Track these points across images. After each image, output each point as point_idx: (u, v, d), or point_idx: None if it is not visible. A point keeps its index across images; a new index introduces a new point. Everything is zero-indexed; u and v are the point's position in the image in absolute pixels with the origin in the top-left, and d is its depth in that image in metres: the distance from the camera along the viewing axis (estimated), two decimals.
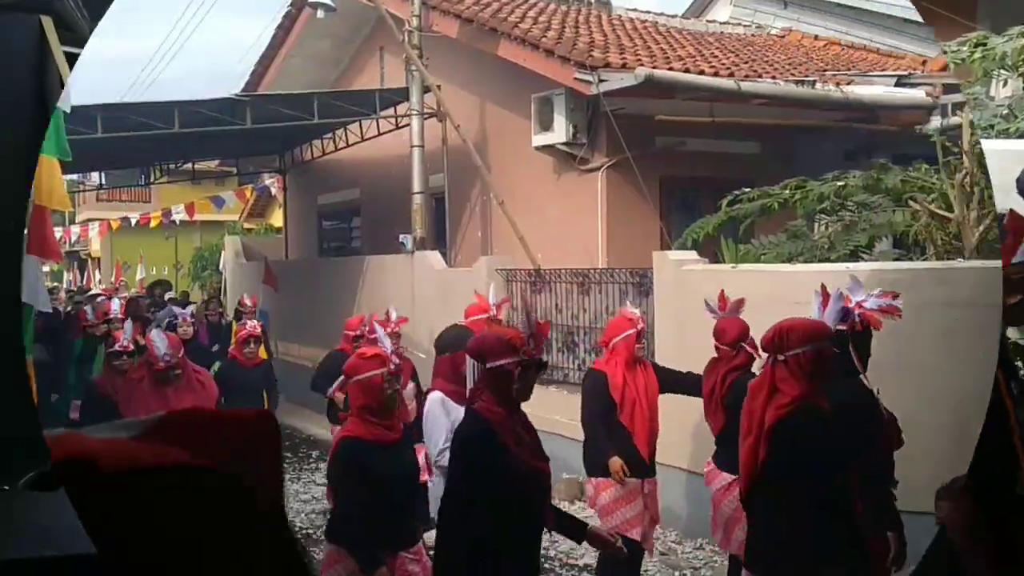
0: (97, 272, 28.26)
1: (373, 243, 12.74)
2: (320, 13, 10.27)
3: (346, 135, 12.54)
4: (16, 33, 2.72)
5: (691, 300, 6.43)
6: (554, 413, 7.86)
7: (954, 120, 7.89)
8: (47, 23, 2.78)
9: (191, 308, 9.12)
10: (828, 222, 7.01)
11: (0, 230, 2.70)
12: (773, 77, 8.83)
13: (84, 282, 26.38)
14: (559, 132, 8.76)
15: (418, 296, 9.86)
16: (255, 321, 7.71)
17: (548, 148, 9.02)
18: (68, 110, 6.14)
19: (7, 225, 2.72)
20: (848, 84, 9.08)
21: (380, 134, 11.66)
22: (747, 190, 7.28)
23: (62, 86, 2.97)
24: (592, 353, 7.85)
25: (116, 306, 8.38)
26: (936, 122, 8.61)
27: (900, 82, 9.43)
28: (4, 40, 2.68)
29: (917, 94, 9.06)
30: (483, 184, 10.15)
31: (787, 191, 6.89)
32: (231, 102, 10.07)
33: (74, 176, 18.51)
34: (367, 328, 6.41)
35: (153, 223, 21.57)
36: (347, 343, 6.86)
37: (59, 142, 5.99)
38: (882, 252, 6.43)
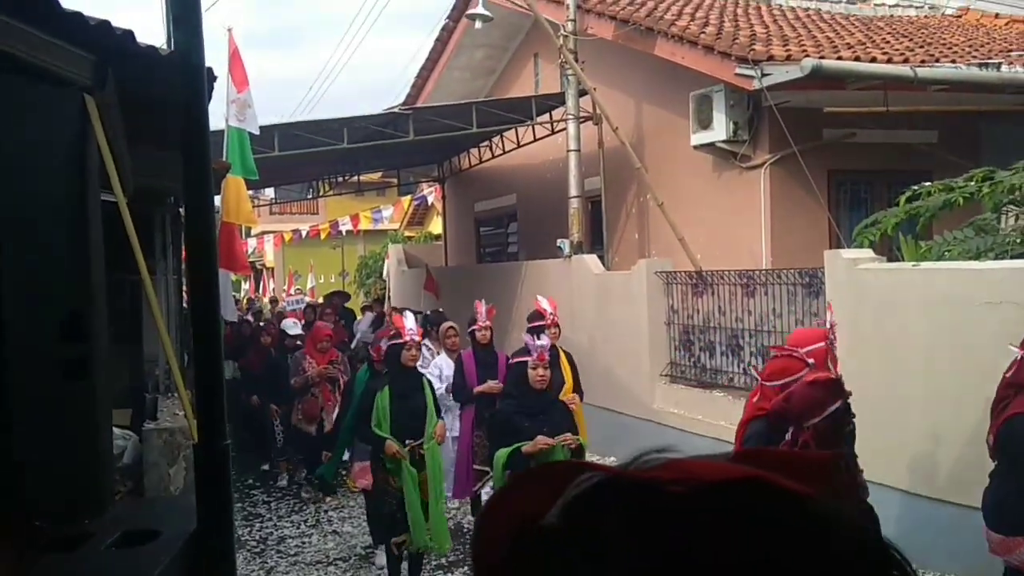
0: (271, 281, 30.05)
1: (530, 248, 12.88)
2: (478, 24, 10.49)
3: (502, 142, 12.75)
4: (62, 104, 2.86)
5: (868, 302, 6.12)
6: (719, 419, 7.68)
7: None
8: (90, 102, 2.93)
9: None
10: (1018, 214, 6.48)
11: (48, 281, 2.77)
12: (952, 61, 8.26)
13: (260, 291, 28.11)
14: (719, 130, 8.55)
15: (576, 300, 9.88)
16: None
17: (707, 146, 8.82)
18: (256, 132, 6.61)
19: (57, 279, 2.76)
20: None
21: (536, 140, 11.79)
22: (927, 184, 6.84)
23: (101, 160, 3.08)
24: (757, 356, 7.61)
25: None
26: None
27: None
28: (50, 108, 2.84)
29: None
30: (639, 186, 10.05)
31: (973, 183, 6.41)
32: (395, 116, 10.45)
33: (250, 192, 19.83)
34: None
35: (323, 235, 22.77)
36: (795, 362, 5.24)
37: (245, 163, 6.45)
38: None
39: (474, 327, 7.03)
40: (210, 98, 2.90)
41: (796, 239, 8.28)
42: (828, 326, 4.15)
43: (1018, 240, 6.00)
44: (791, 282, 7.14)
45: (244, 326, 12.03)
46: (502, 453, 4.90)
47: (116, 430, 5.52)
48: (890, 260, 6.48)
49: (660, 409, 8.45)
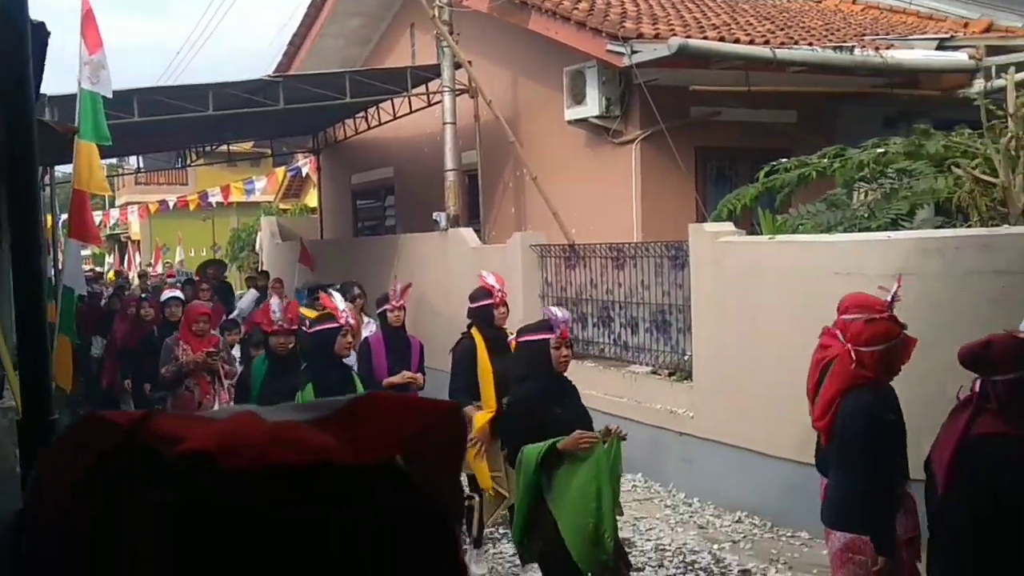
0: (137, 255, 28.72)
1: (407, 221, 12.77)
2: None
3: (378, 114, 12.55)
4: None
5: (728, 273, 6.37)
6: (589, 388, 7.85)
7: (998, 83, 7.67)
8: None
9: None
10: (867, 190, 6.88)
11: None
12: (810, 44, 8.64)
13: (125, 265, 26.83)
14: (592, 105, 8.68)
15: (453, 273, 9.87)
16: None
17: (581, 122, 8.94)
18: (109, 95, 6.23)
19: None
20: (888, 49, 8.86)
21: (412, 112, 11.65)
22: (784, 160, 7.16)
23: None
24: (627, 328, 7.81)
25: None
26: (979, 85, 8.39)
27: (942, 45, 9.18)
28: None
29: (959, 57, 8.82)
30: (516, 160, 10.10)
31: (825, 159, 6.76)
32: (264, 83, 10.11)
33: (112, 160, 18.82)
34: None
35: (191, 206, 21.90)
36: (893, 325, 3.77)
37: (98, 128, 6.07)
38: (924, 220, 6.28)
39: (385, 307, 6.11)
40: (43, 54, 2.71)
41: (665, 213, 8.52)
42: (891, 298, 3.68)
43: (866, 215, 6.37)
44: (658, 255, 7.35)
45: (113, 300, 11.61)
46: (531, 452, 3.93)
47: None
48: (750, 234, 6.77)
49: None
